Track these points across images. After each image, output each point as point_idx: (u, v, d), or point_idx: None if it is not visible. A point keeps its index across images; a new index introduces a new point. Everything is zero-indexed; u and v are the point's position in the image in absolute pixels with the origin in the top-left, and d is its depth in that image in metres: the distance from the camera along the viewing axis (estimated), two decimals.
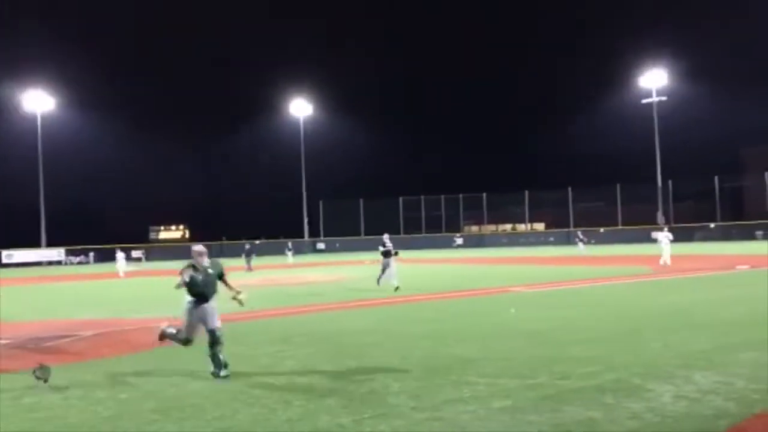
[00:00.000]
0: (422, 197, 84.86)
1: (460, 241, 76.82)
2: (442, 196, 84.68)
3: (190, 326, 8.53)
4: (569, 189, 79.66)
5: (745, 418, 5.89)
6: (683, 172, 72.98)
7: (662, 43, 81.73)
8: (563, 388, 7.21)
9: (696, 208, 76.05)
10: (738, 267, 26.07)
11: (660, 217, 70.94)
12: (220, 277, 8.69)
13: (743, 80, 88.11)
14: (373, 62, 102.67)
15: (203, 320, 8.45)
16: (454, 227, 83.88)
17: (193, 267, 8.43)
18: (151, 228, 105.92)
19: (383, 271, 21.06)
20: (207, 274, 8.50)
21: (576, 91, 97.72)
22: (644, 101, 72.47)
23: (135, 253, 67.99)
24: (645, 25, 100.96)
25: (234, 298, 8.88)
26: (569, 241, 66.92)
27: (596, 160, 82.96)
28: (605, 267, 29.60)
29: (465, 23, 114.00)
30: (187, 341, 8.61)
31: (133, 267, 44.42)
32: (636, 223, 71.22)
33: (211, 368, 8.31)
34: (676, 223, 70.10)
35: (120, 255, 37.71)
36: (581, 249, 45.22)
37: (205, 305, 8.45)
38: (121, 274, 35.88)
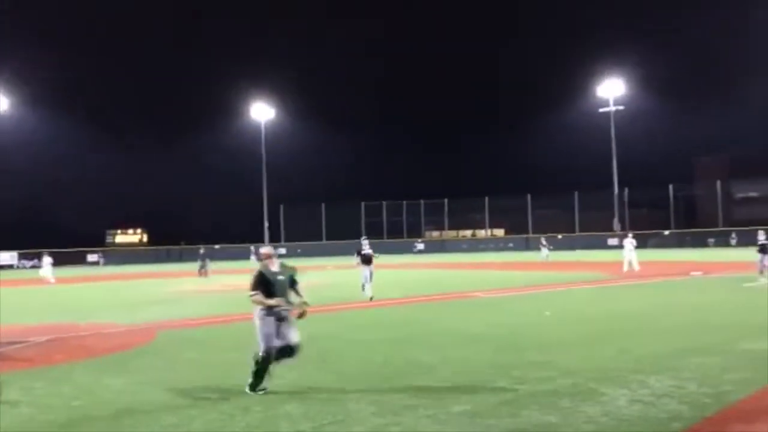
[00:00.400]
0: (384, 203, 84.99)
1: (421, 246, 77.11)
2: (404, 202, 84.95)
3: (269, 336, 7.51)
4: (528, 196, 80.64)
5: (697, 422, 6.02)
6: (639, 181, 74.49)
7: (620, 53, 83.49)
8: (521, 392, 7.28)
9: (651, 215, 77.70)
10: (691, 273, 26.68)
11: (616, 224, 72.29)
12: (292, 283, 7.84)
13: (698, 92, 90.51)
14: (335, 67, 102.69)
15: (279, 333, 7.57)
16: (416, 233, 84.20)
17: (261, 274, 7.60)
18: (108, 232, 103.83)
19: (367, 277, 19.10)
20: (277, 281, 7.64)
21: (536, 100, 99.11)
22: (601, 110, 73.81)
23: (91, 257, 66.59)
24: (603, 35, 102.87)
25: (299, 314, 7.83)
26: (528, 246, 67.70)
27: (554, 168, 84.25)
28: (563, 273, 30.01)
29: (429, 30, 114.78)
30: (269, 355, 7.49)
31: (89, 271, 43.42)
32: (592, 230, 72.46)
33: (250, 380, 7.48)
34: (631, 230, 71.45)
35: (47, 260, 35.93)
36: (544, 255, 45.74)
37: (272, 318, 7.54)
38: (52, 279, 34.44)
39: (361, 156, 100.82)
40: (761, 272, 21.71)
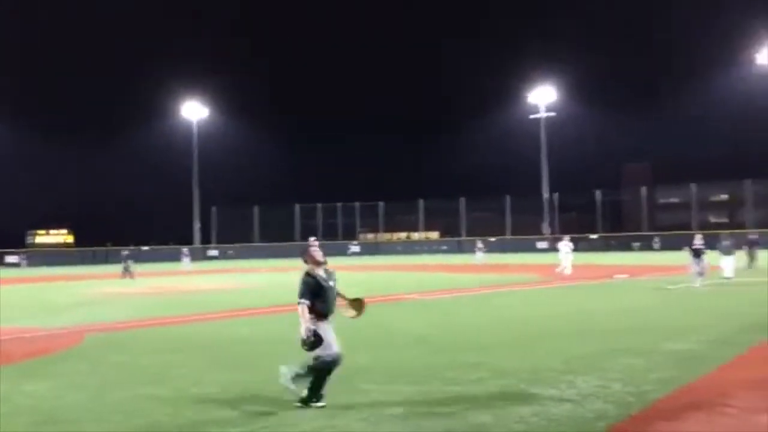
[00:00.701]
0: (319, 205, 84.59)
1: (356, 248, 77.08)
2: (339, 204, 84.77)
3: (332, 343, 6.89)
4: (462, 199, 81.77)
5: (621, 420, 6.20)
6: (568, 185, 76.65)
7: (552, 61, 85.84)
8: (454, 394, 7.35)
9: (579, 219, 79.99)
10: (616, 276, 27.56)
11: (545, 228, 74.18)
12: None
13: (625, 100, 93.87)
14: (269, 67, 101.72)
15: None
16: (351, 235, 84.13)
17: (315, 281, 6.94)
18: (29, 232, 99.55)
19: None
20: (330, 288, 7.03)
21: (471, 104, 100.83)
22: (532, 116, 75.61)
23: (11, 259, 63.78)
24: (534, 42, 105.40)
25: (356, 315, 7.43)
26: (462, 249, 68.66)
27: (487, 172, 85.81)
28: (496, 275, 30.52)
29: (363, 35, 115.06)
30: (337, 359, 6.91)
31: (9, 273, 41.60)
32: (523, 233, 74.07)
33: (304, 393, 6.81)
34: (560, 233, 73.39)
35: None
36: (480, 257, 46.35)
37: (327, 325, 6.95)
38: None
39: (296, 158, 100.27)
40: (698, 275, 20.95)
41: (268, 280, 30.86)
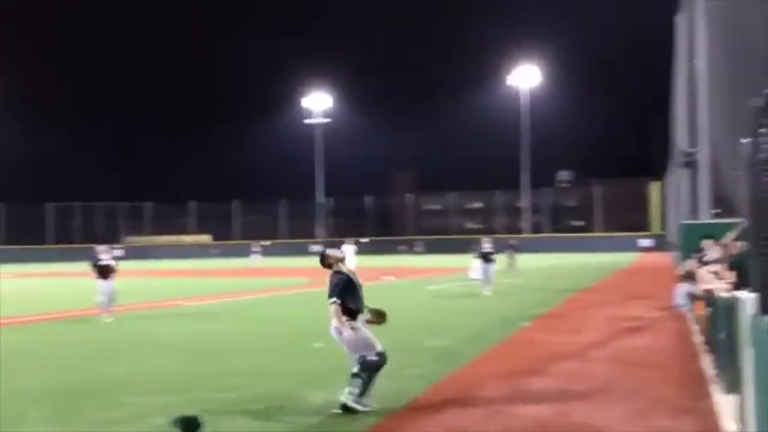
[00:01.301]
0: (77, 204, 78.05)
1: (119, 252, 72.22)
2: (100, 204, 78.99)
3: (373, 340, 6.68)
4: (235, 201, 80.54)
5: (385, 416, 6.44)
6: (341, 190, 79.01)
7: (327, 67, 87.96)
8: (223, 400, 7.12)
9: (351, 223, 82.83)
10: (384, 278, 28.85)
11: (319, 231, 75.75)
12: None
13: (395, 111, 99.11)
14: (35, 53, 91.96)
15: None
16: (114, 238, 78.73)
17: (348, 278, 6.77)
18: None
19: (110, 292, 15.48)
20: (360, 286, 6.88)
21: (247, 107, 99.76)
22: (307, 121, 76.90)
23: None
24: (313, 48, 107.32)
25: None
26: (236, 253, 67.51)
27: (262, 175, 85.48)
28: (270, 279, 30.40)
29: (132, 31, 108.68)
30: (381, 359, 6.62)
31: None
32: (297, 237, 74.90)
33: (356, 391, 6.45)
34: (333, 237, 75.32)
35: None
36: (255, 261, 45.73)
37: (360, 323, 6.70)
38: None
39: (49, 152, 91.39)
40: (487, 282, 19.91)
41: (10, 287, 27.77)
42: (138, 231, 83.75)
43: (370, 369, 6.55)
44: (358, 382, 6.47)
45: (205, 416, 6.40)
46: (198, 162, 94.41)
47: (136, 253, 73.63)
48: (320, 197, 77.73)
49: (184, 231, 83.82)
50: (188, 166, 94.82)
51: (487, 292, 19.65)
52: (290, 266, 44.22)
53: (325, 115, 76.55)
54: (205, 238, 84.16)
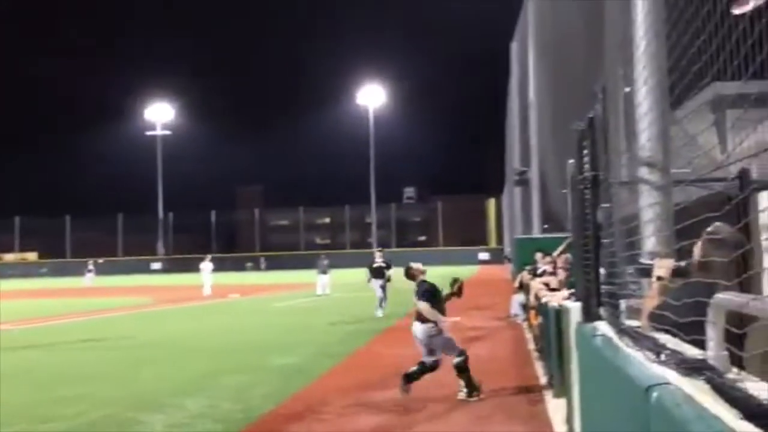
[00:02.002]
0: None
1: None
2: None
3: (453, 340, 7.91)
4: (67, 217, 75.31)
5: None
6: (184, 205, 76.25)
7: (170, 79, 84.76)
8: (48, 431, 6.56)
9: (195, 239, 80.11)
10: (230, 296, 28.13)
11: (160, 248, 72.52)
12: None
13: (241, 125, 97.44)
14: None
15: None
16: None
17: (435, 288, 7.93)
18: None
19: None
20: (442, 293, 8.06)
21: (81, 120, 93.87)
22: (148, 133, 73.67)
23: None
24: (156, 59, 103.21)
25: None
26: (67, 271, 62.94)
27: (99, 188, 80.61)
28: (104, 299, 28.62)
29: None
30: (466, 356, 7.69)
31: None
32: (136, 254, 71.24)
33: (466, 388, 7.54)
34: (175, 254, 72.52)
35: None
36: (89, 280, 42.84)
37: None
38: None
39: None
40: (382, 300, 17.92)
41: None
42: None
43: (465, 368, 7.58)
44: (465, 381, 7.54)
45: None
46: (23, 175, 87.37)
47: None
48: (161, 212, 74.51)
49: (10, 249, 77.00)
50: (12, 178, 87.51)
51: (380, 313, 17.49)
52: (129, 285, 41.93)
53: (169, 127, 73.78)
54: (30, 256, 77.75)
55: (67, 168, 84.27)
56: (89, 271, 44.20)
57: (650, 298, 2.76)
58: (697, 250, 2.53)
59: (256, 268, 68.95)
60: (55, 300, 29.55)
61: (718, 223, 2.40)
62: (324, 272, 26.36)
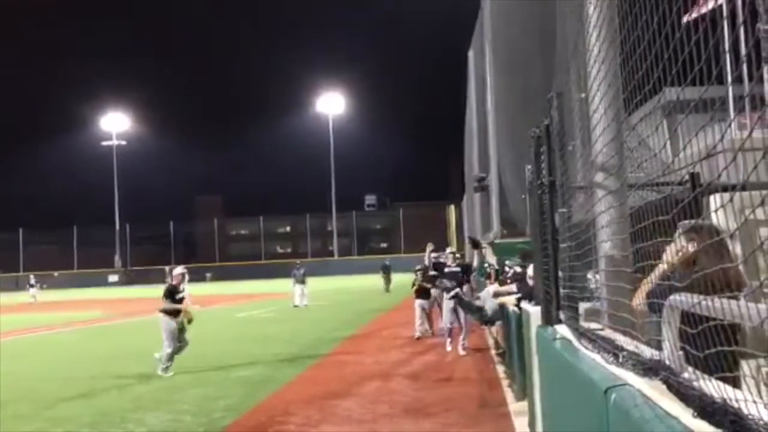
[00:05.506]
0: None
1: None
2: None
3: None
4: (20, 230, 73.42)
5: None
6: (141, 217, 74.98)
7: (128, 88, 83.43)
8: None
9: (153, 251, 78.78)
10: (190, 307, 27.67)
11: (117, 261, 71.15)
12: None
13: (199, 134, 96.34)
14: None
15: None
16: None
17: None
18: None
19: None
20: None
21: (36, 127, 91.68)
22: (104, 143, 72.35)
23: None
24: (108, 68, 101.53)
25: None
26: (19, 287, 61.28)
27: (52, 200, 78.82)
28: (59, 313, 27.89)
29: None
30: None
31: None
32: (93, 267, 69.77)
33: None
34: (133, 266, 71.25)
35: None
36: (33, 294, 41.66)
37: None
38: None
39: None
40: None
41: None
42: None
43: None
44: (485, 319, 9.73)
45: None
46: None
47: None
48: (117, 224, 73.13)
49: None
50: None
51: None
52: (84, 298, 40.98)
53: (125, 137, 72.56)
54: None
55: (20, 179, 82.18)
56: (31, 285, 42.88)
57: (645, 283, 2.74)
58: (674, 246, 2.56)
59: (216, 278, 68.10)
60: (2, 316, 28.67)
61: (685, 221, 2.46)
62: (301, 282, 24.44)
